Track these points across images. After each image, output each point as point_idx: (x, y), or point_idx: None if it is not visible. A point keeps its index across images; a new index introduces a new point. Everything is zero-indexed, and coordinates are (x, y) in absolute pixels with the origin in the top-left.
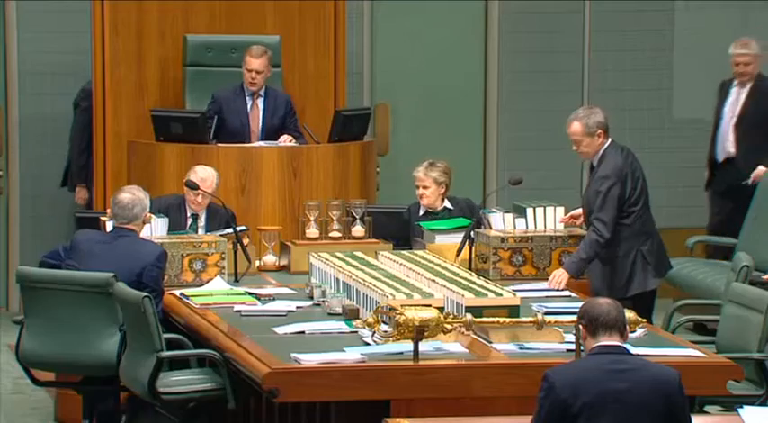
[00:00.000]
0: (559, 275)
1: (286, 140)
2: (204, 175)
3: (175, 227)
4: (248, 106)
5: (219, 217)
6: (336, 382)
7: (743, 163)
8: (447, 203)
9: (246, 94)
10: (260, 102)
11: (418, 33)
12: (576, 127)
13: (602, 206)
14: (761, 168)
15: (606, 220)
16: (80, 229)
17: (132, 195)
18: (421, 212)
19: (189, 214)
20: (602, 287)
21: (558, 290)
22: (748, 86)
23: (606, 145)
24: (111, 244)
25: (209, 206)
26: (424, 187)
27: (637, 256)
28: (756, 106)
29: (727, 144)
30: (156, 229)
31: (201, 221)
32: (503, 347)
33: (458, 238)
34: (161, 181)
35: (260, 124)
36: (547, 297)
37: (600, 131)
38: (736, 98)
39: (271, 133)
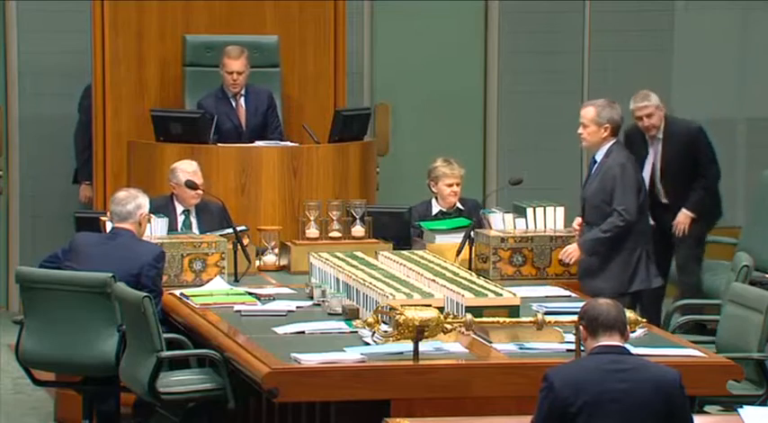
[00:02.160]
0: (572, 251)
1: None
2: (192, 168)
3: (168, 226)
4: (234, 108)
5: (211, 211)
6: (336, 382)
7: (676, 210)
8: (458, 204)
9: (229, 95)
10: (242, 101)
11: (418, 33)
12: (588, 111)
13: (622, 193)
14: (684, 213)
15: (628, 206)
16: (80, 229)
17: (128, 193)
18: (434, 211)
19: (180, 211)
20: (604, 283)
21: (567, 263)
22: (660, 137)
23: (613, 142)
24: (109, 245)
25: (198, 202)
26: (457, 184)
27: (642, 253)
28: (673, 153)
29: (661, 195)
30: (155, 229)
31: (193, 217)
32: (503, 347)
33: (458, 238)
34: (161, 181)
35: (245, 124)
36: (547, 297)
37: (608, 126)
38: (655, 151)
39: (256, 131)
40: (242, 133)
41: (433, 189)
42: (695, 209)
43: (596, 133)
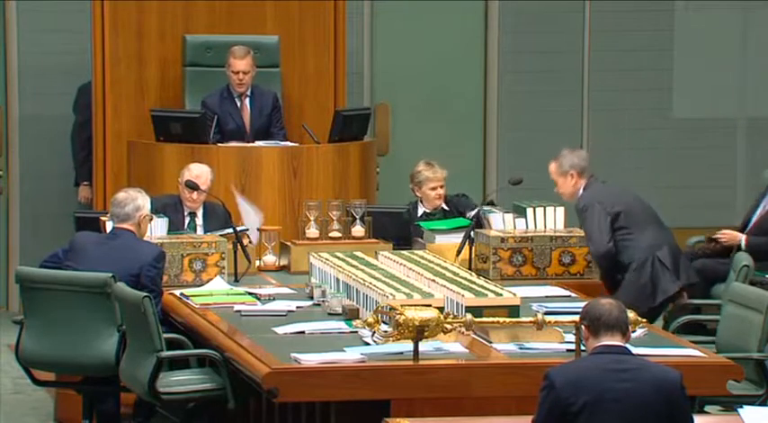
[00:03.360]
0: None
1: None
2: (198, 171)
3: (173, 226)
4: (238, 108)
5: (217, 214)
6: (336, 382)
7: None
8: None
9: (234, 95)
10: (247, 102)
11: (418, 33)
12: (552, 167)
13: (586, 236)
14: (740, 235)
15: (594, 246)
16: (80, 228)
17: (127, 194)
18: (419, 213)
19: (186, 213)
20: (631, 301)
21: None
22: None
23: (584, 184)
24: (109, 244)
25: (206, 204)
26: (441, 187)
27: (654, 263)
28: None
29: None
30: (155, 229)
31: (199, 219)
32: (503, 347)
33: (458, 238)
34: (161, 181)
35: (249, 125)
36: (547, 297)
37: (573, 172)
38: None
39: (260, 132)
40: (245, 134)
41: (417, 193)
42: (752, 245)
43: (566, 183)
